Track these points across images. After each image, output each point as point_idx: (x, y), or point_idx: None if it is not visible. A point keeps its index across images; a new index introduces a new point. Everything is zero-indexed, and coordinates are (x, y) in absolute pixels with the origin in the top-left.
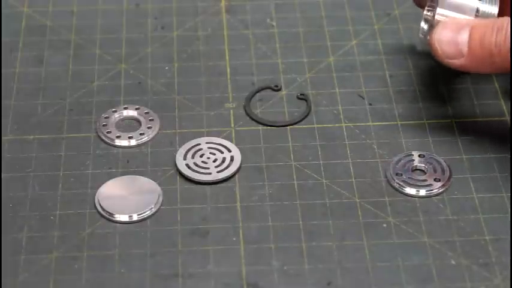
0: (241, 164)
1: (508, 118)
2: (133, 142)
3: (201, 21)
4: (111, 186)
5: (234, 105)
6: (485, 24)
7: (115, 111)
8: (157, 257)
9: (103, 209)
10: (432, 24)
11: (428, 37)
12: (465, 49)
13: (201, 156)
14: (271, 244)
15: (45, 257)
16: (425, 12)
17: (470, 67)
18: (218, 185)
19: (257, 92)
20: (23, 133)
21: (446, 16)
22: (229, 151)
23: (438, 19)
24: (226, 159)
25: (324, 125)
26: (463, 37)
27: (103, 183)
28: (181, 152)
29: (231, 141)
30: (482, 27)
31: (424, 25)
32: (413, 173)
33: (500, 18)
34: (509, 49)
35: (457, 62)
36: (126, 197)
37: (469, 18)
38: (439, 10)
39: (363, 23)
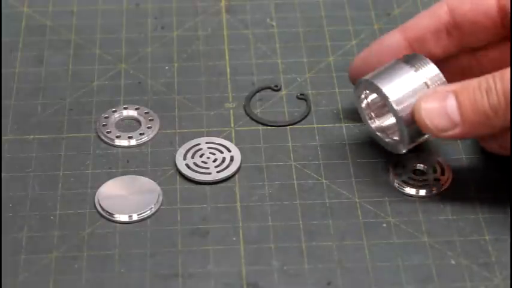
0: (241, 164)
1: None
2: (133, 142)
3: (201, 21)
4: (111, 186)
5: (234, 105)
6: (471, 87)
7: (115, 111)
8: (157, 257)
9: (103, 209)
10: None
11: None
12: (457, 118)
13: (201, 156)
14: (271, 244)
15: (45, 257)
16: (370, 124)
17: (466, 135)
18: (218, 185)
19: (257, 92)
20: (23, 133)
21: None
22: (229, 151)
23: (400, 111)
24: (226, 159)
25: (324, 125)
26: (452, 105)
27: (103, 183)
28: (181, 152)
29: (231, 141)
30: (468, 91)
31: (380, 134)
32: (413, 173)
33: (483, 78)
34: (507, 108)
35: (452, 133)
36: (126, 197)
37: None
38: (394, 105)
39: (363, 23)
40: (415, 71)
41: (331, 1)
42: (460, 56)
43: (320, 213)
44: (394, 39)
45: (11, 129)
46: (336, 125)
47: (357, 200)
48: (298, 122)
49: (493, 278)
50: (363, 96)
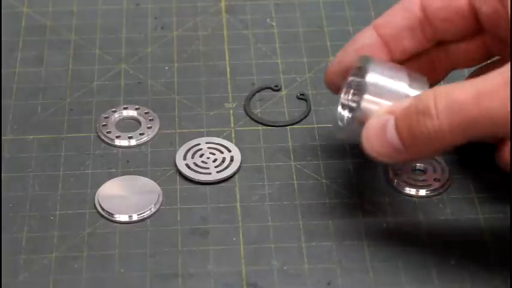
0: (241, 164)
1: None
2: (133, 142)
3: (201, 21)
4: (111, 186)
5: (234, 105)
6: (408, 110)
7: (115, 111)
8: (157, 257)
9: (103, 209)
10: (354, 110)
11: (347, 124)
12: (399, 144)
13: (201, 156)
14: (271, 244)
15: (45, 257)
16: (342, 95)
17: (413, 159)
18: (218, 185)
19: (257, 92)
20: (23, 133)
21: (374, 103)
22: (229, 151)
23: (364, 107)
24: (226, 159)
25: (324, 125)
26: (391, 131)
27: (103, 183)
28: (181, 152)
29: (231, 141)
30: (405, 115)
31: (342, 111)
32: (413, 173)
33: (421, 96)
34: (448, 132)
35: (398, 159)
36: (126, 197)
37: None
38: (366, 97)
39: (363, 23)
40: (409, 85)
41: (331, 1)
42: (429, 50)
43: (320, 213)
44: (369, 38)
45: (11, 129)
46: None
47: (357, 200)
48: (298, 122)
49: (493, 279)
50: (350, 78)
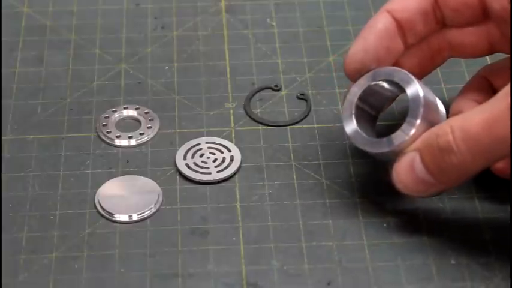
0: (241, 164)
1: None
2: (133, 142)
3: (201, 21)
4: (111, 186)
5: (234, 105)
6: (430, 146)
7: (115, 111)
8: (157, 257)
9: (103, 209)
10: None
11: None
12: (431, 179)
13: (201, 156)
14: (271, 244)
15: (45, 257)
16: (356, 100)
17: (443, 190)
18: (218, 185)
19: (257, 92)
20: (23, 133)
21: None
22: (229, 151)
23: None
24: (226, 159)
25: (324, 124)
26: (421, 169)
27: (103, 183)
28: (181, 152)
29: (231, 141)
30: (429, 151)
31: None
32: None
33: (439, 132)
34: (471, 163)
35: (430, 192)
36: (126, 197)
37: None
38: (418, 122)
39: (363, 23)
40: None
41: (331, 1)
42: (431, 37)
43: (320, 213)
44: (385, 23)
45: (11, 129)
46: (336, 125)
47: (357, 200)
48: (298, 122)
49: (493, 278)
50: (372, 83)
